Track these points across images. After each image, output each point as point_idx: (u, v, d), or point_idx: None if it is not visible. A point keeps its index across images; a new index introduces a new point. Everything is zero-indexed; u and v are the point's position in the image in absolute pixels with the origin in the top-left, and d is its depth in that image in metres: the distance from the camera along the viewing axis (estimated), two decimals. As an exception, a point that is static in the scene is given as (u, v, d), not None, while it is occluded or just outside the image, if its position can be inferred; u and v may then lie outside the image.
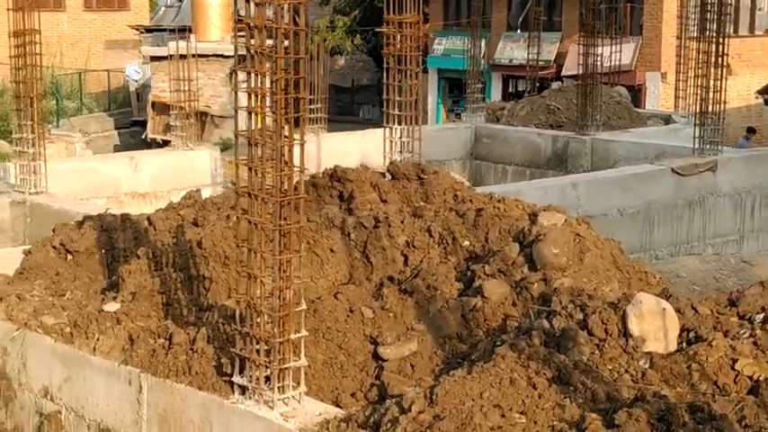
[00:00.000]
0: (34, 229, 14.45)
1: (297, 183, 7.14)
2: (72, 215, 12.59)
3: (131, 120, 37.19)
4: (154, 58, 31.75)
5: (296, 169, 7.07)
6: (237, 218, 7.34)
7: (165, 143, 27.37)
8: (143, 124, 34.20)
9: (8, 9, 15.24)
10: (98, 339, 8.38)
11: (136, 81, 37.92)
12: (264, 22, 6.97)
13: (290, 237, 7.10)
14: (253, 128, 7.10)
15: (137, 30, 39.77)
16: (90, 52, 44.42)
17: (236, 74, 7.17)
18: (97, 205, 14.40)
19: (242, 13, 7.12)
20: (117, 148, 34.18)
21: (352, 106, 48.68)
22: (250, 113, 7.09)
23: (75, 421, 8.59)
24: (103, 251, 10.11)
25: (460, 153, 22.68)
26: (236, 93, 7.32)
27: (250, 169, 7.11)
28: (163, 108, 30.04)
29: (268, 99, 7.06)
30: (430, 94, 40.03)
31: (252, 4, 7.01)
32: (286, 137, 7.03)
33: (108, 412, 8.24)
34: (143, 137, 32.93)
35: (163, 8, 46.85)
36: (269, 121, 7.11)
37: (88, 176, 17.94)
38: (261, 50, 7.04)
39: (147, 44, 35.27)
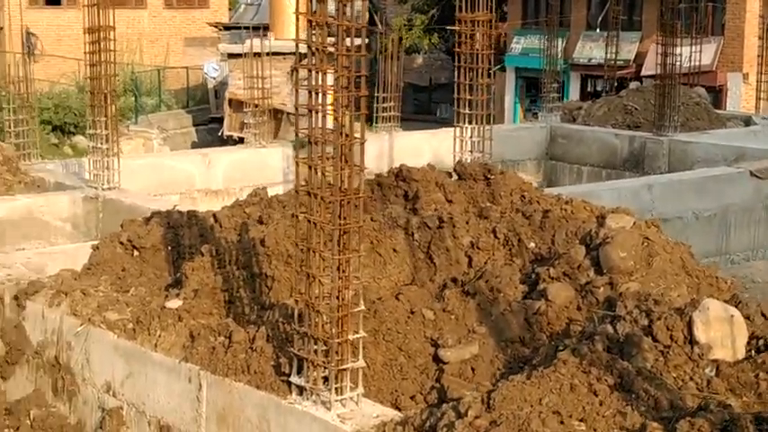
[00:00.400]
0: (106, 224, 14.56)
1: (359, 182, 7.06)
2: (143, 211, 12.65)
3: (209, 117, 37.48)
4: (231, 56, 31.91)
5: (356, 168, 6.99)
6: (296, 216, 7.27)
7: (242, 140, 27.55)
8: (220, 121, 34.42)
9: (84, 5, 15.39)
10: (160, 336, 8.38)
11: (214, 78, 38.21)
12: (326, 18, 6.90)
13: (349, 236, 7.02)
14: (314, 126, 7.04)
15: (216, 27, 40.06)
16: (169, 49, 44.90)
17: (296, 71, 7.11)
18: (168, 201, 14.48)
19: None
20: (194, 145, 34.50)
21: (429, 105, 48.63)
22: (311, 111, 7.03)
23: (136, 417, 8.60)
24: (169, 248, 10.12)
25: (535, 153, 22.47)
26: (296, 90, 7.26)
27: (310, 168, 7.05)
28: (239, 105, 30.23)
29: (329, 97, 6.99)
30: (507, 94, 39.84)
31: (314, 1, 6.94)
32: (347, 135, 6.95)
33: (168, 409, 8.24)
34: (219, 134, 33.14)
35: (243, 6, 47.19)
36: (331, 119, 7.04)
37: (162, 173, 18.10)
38: (322, 47, 6.96)
39: (226, 42, 35.49)
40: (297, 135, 7.22)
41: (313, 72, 7.01)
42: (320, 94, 7.00)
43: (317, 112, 7.02)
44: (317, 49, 6.95)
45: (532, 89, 37.50)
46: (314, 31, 6.98)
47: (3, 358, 10.01)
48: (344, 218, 7.00)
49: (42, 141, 27.37)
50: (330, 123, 7.05)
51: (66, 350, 9.26)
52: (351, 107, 6.95)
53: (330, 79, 7.00)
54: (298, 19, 7.06)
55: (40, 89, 32.27)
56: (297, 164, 7.17)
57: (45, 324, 9.52)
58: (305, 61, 7.05)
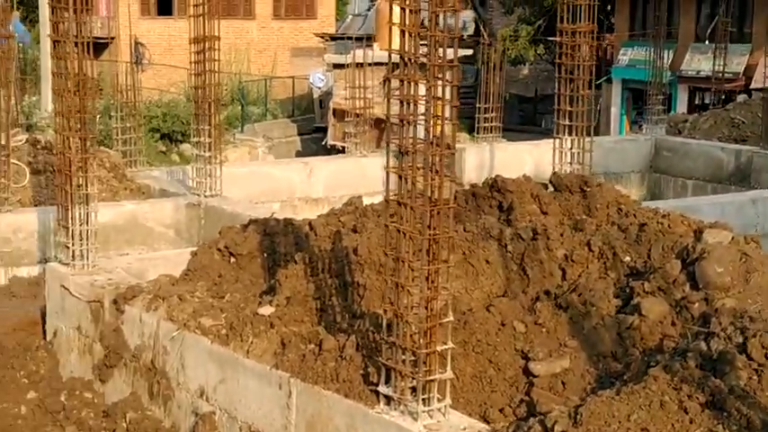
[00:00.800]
0: (208, 231, 14.78)
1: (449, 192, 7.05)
2: (243, 218, 12.79)
3: (314, 126, 37.78)
4: (336, 66, 32.18)
5: (446, 178, 6.97)
6: (386, 226, 7.28)
7: (344, 150, 27.73)
8: (325, 131, 34.68)
9: (190, 16, 15.67)
10: (252, 342, 8.46)
11: (319, 88, 38.51)
12: (418, 28, 6.90)
13: (438, 247, 7.00)
14: (404, 136, 7.05)
15: (322, 38, 40.42)
16: (276, 59, 45.39)
17: (389, 81, 7.13)
18: (269, 209, 14.62)
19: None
20: (299, 154, 34.82)
21: (534, 116, 48.30)
22: (401, 121, 7.04)
23: (228, 423, 8.69)
24: (265, 255, 10.22)
25: (639, 166, 22.20)
26: (388, 100, 7.28)
27: (400, 177, 7.06)
28: (343, 115, 30.45)
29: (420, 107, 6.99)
30: (613, 106, 39.41)
31: (406, 11, 6.95)
32: (437, 145, 6.95)
33: (259, 415, 8.31)
34: (323, 143, 33.39)
35: (350, 17, 47.58)
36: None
37: (264, 181, 18.35)
38: (414, 57, 6.97)
39: (331, 52, 35.79)
40: (387, 145, 7.24)
41: (405, 82, 7.02)
42: (411, 105, 7.00)
43: (407, 123, 7.03)
44: (409, 59, 6.97)
45: (639, 101, 36.97)
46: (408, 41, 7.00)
47: (102, 361, 10.21)
48: (434, 228, 6.99)
49: (150, 149, 27.94)
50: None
51: (162, 354, 9.40)
52: (442, 117, 6.94)
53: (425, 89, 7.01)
54: (390, 29, 7.08)
55: (149, 98, 32.93)
56: (387, 173, 7.19)
57: (142, 328, 9.68)
58: (397, 71, 7.06)
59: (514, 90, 46.46)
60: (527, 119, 47.17)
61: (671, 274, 8.22)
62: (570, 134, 14.46)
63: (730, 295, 7.88)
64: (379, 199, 14.43)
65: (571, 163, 14.36)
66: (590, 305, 8.19)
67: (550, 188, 10.61)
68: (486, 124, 20.62)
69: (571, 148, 14.44)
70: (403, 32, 6.99)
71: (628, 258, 8.87)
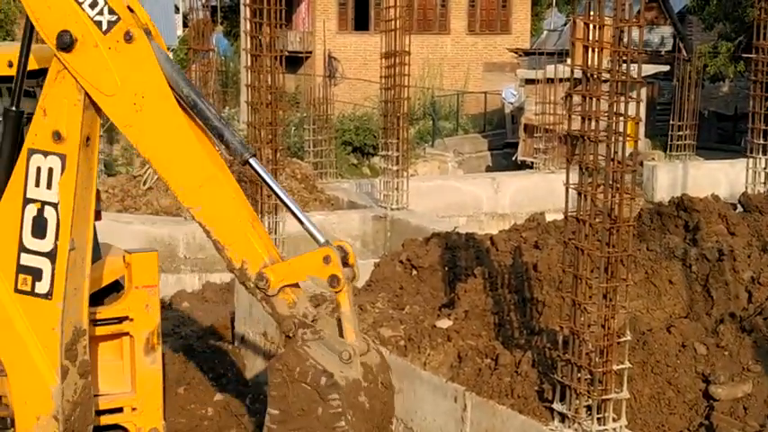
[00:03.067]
0: (393, 243, 14.95)
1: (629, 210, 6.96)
2: (428, 232, 12.91)
3: (505, 141, 37.64)
4: (528, 81, 32.06)
5: (627, 196, 6.89)
6: (565, 243, 7.24)
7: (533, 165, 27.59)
8: (516, 146, 34.51)
9: (382, 31, 15.92)
10: (429, 354, 8.52)
11: (511, 104, 38.36)
12: (602, 44, 6.85)
13: (617, 265, 6.92)
14: (585, 152, 7.00)
15: (516, 53, 40.30)
16: (469, 74, 45.46)
17: (570, 97, 7.13)
18: (454, 223, 14.69)
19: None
20: (488, 169, 34.73)
21: (733, 134, 46.96)
22: (582, 137, 6.99)
23: (404, 433, 8.77)
24: (446, 268, 10.29)
25: (842, 188, 21.33)
26: (569, 116, 7.24)
27: (579, 194, 7.01)
28: (534, 131, 30.31)
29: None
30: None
31: (590, 26, 6.90)
32: (619, 162, 6.87)
33: (434, 427, 8.34)
34: (513, 158, 33.26)
35: (546, 32, 47.28)
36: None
37: (450, 195, 18.45)
38: (597, 73, 6.92)
39: (524, 67, 35.65)
40: (567, 161, 7.20)
41: (587, 98, 6.97)
42: (593, 121, 6.95)
43: (588, 139, 6.98)
44: (592, 75, 6.92)
45: None
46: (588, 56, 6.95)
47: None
48: (613, 246, 6.91)
49: (342, 161, 28.37)
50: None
51: (347, 364, 9.52)
52: (624, 134, 6.87)
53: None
54: (573, 44, 7.04)
55: (343, 111, 33.49)
56: (567, 189, 7.15)
57: (325, 337, 9.83)
58: (579, 87, 7.03)
59: (713, 107, 45.24)
60: (726, 137, 45.85)
61: None
62: (765, 154, 14.04)
63: None
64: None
65: (765, 183, 13.94)
66: (776, 329, 7.94)
67: (739, 208, 10.35)
68: (680, 142, 20.24)
69: (765, 168, 14.02)
70: (586, 48, 6.95)
71: (818, 283, 8.57)
